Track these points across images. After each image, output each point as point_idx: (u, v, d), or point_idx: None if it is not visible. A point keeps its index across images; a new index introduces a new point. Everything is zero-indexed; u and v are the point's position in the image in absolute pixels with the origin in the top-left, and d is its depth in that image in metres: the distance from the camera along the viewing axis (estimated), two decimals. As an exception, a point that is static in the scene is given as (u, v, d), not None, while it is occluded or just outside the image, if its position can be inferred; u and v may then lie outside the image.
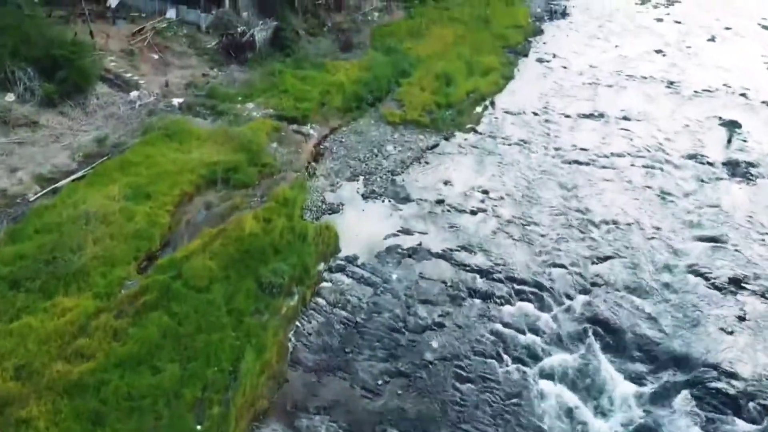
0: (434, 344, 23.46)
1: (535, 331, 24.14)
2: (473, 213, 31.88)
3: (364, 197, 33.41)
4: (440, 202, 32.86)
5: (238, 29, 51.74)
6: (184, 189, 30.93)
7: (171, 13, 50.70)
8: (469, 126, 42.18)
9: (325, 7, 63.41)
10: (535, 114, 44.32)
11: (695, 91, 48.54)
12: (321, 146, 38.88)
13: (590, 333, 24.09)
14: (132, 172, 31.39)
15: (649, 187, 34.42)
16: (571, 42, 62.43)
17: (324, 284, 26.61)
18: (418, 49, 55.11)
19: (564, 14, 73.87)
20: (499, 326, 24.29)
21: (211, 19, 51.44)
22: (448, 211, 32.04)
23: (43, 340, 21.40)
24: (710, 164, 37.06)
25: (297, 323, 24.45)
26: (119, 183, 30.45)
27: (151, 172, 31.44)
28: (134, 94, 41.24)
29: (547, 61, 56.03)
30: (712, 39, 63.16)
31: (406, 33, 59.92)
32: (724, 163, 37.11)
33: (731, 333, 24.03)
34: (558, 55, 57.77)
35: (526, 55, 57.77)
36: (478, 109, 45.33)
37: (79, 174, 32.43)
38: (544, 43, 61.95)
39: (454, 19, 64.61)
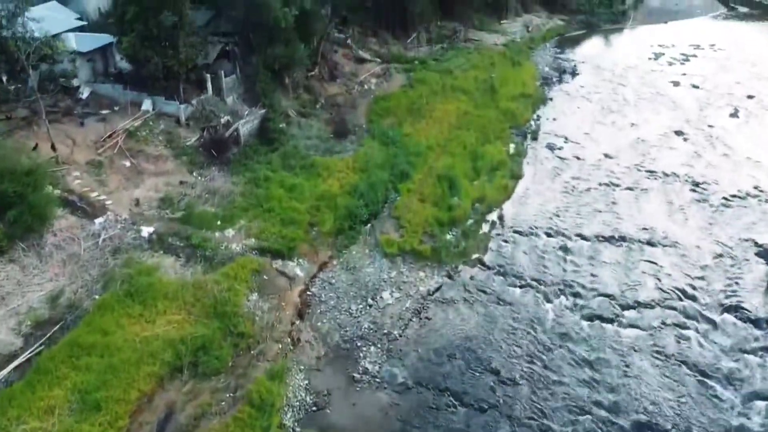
0: None
1: None
2: (482, 410, 26.72)
3: (356, 380, 28.27)
4: (444, 390, 27.72)
5: (221, 120, 46.56)
6: (143, 388, 25.75)
7: (147, 105, 45.26)
8: (475, 256, 36.87)
9: (319, 77, 58.09)
10: (549, 235, 39.02)
11: (724, 198, 43.12)
12: (308, 292, 33.67)
13: None
14: (82, 365, 26.13)
15: (684, 362, 29.19)
16: (582, 116, 57.04)
17: None
18: (419, 136, 49.74)
19: (574, 73, 68.57)
20: None
21: (191, 110, 46.08)
22: (452, 407, 26.89)
23: None
24: (752, 322, 31.75)
25: None
26: (65, 384, 25.32)
27: (105, 363, 26.19)
28: (99, 221, 35.89)
29: (559, 148, 50.63)
30: (735, 113, 57.63)
31: (406, 110, 54.50)
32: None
33: None
34: (569, 138, 52.39)
35: (535, 138, 52.42)
36: (485, 227, 40.00)
37: (22, 359, 27.37)
38: (554, 119, 56.57)
39: (457, 88, 59.17)
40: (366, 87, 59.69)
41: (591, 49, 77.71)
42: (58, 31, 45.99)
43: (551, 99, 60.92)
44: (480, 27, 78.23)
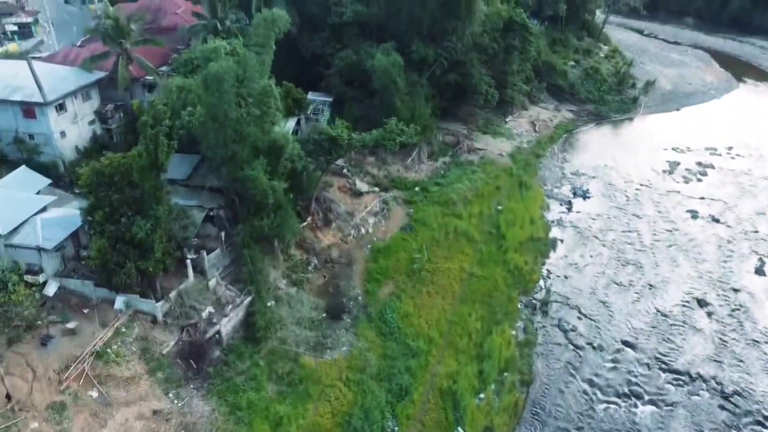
0: None
1: None
2: None
3: None
4: None
5: (203, 313, 41.57)
6: None
7: (119, 304, 39.95)
8: None
9: (312, 226, 52.90)
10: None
11: (759, 424, 38.08)
12: None
13: None
14: None
15: None
16: (596, 272, 51.69)
17: None
18: (419, 318, 44.80)
19: (585, 196, 63.40)
20: None
21: (169, 306, 41.06)
22: None
23: None
24: None
25: None
26: None
27: None
28: (56, 499, 31.20)
29: (572, 329, 45.35)
30: (761, 267, 52.13)
31: (405, 271, 49.39)
32: None
33: None
34: (583, 311, 47.14)
35: (546, 312, 47.21)
36: (494, 476, 35.17)
37: None
38: (566, 276, 51.36)
39: (460, 232, 54.00)
40: (363, 231, 54.43)
41: (601, 154, 71.98)
42: (22, 219, 41.24)
43: (562, 241, 55.64)
44: (485, 128, 72.68)
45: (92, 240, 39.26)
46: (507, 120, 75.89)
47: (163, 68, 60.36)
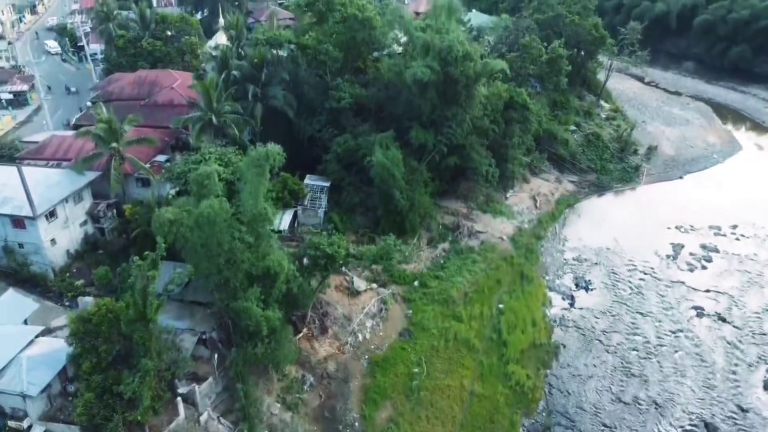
0: None
1: None
2: None
3: None
4: None
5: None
6: None
7: (108, 454, 38.53)
8: None
9: (308, 336, 51.15)
10: None
11: None
12: None
13: None
14: None
15: None
16: (599, 387, 49.82)
17: None
18: (417, 450, 43.18)
19: (587, 288, 61.67)
20: None
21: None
22: None
23: None
24: None
25: None
26: None
27: None
28: None
29: (575, 464, 43.87)
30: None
31: (404, 391, 47.60)
32: None
33: None
34: (587, 436, 45.65)
35: (547, 443, 45.64)
36: None
37: None
38: (569, 392, 49.55)
39: (460, 340, 52.20)
40: (360, 337, 52.58)
41: (603, 233, 69.98)
42: (7, 360, 39.41)
43: (564, 346, 53.89)
44: (485, 205, 70.45)
45: (78, 389, 37.65)
46: (508, 195, 74.02)
47: (159, 158, 59.00)
